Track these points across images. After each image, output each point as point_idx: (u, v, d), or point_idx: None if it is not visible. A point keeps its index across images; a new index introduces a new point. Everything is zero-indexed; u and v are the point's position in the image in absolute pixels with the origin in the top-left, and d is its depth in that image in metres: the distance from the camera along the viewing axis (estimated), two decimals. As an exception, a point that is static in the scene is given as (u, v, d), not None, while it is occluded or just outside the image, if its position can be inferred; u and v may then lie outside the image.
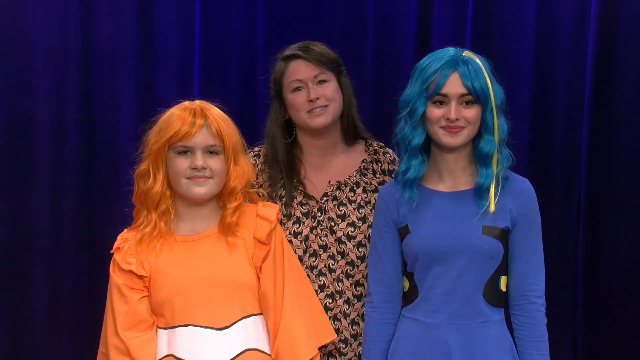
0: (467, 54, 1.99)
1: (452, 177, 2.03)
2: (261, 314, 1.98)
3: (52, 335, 2.97)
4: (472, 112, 1.96)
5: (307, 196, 2.31)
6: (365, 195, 2.31)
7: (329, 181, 2.33)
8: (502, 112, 2.01)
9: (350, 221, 2.28)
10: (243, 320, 1.94)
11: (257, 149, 2.41)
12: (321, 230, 2.28)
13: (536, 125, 2.95)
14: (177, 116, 1.94)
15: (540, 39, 2.95)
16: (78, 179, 2.97)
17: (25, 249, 2.94)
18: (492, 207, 1.95)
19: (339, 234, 2.28)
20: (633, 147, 2.88)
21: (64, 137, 2.95)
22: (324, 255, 2.28)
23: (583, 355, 2.97)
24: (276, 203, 2.26)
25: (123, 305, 1.93)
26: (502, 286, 2.01)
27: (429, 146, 2.04)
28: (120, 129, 2.99)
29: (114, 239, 2.05)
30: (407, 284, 2.06)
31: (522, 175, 2.07)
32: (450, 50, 1.99)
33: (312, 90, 2.25)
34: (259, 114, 2.96)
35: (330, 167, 2.35)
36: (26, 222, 2.94)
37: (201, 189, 1.94)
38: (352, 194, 2.31)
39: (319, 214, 2.29)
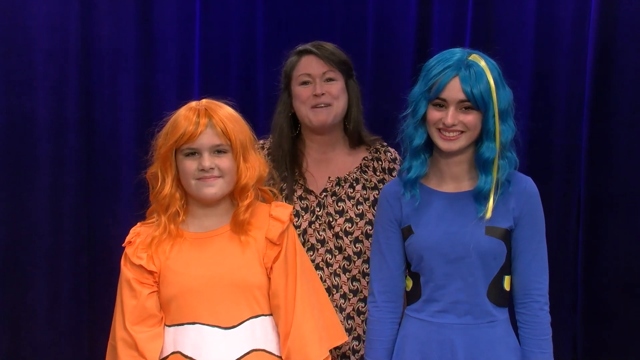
0: (474, 57, 1.96)
1: (454, 179, 2.03)
2: (270, 315, 1.97)
3: (52, 335, 2.97)
4: (470, 118, 1.94)
5: (307, 190, 2.34)
6: (365, 192, 2.34)
7: (329, 177, 2.36)
8: (510, 116, 1.98)
9: (348, 217, 2.31)
10: (250, 320, 1.94)
11: (260, 142, 2.42)
12: (319, 225, 2.31)
13: (536, 125, 2.94)
14: (182, 117, 1.93)
15: (540, 39, 2.95)
16: (78, 179, 2.97)
17: (25, 249, 2.94)
18: (489, 214, 1.95)
19: (337, 229, 2.31)
20: (633, 147, 2.88)
21: (64, 137, 2.95)
22: (322, 250, 2.30)
23: (583, 355, 2.97)
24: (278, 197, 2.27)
25: (132, 299, 1.93)
26: (506, 286, 2.01)
27: (432, 146, 2.04)
28: (120, 129, 2.99)
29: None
30: (409, 284, 2.06)
31: (521, 175, 2.07)
32: (458, 53, 1.96)
33: (319, 85, 2.30)
34: (259, 113, 2.96)
35: (331, 163, 2.38)
36: (26, 222, 2.94)
37: (211, 189, 1.93)
38: (352, 190, 2.34)
39: (318, 209, 2.32)
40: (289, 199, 2.31)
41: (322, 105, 2.30)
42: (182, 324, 1.92)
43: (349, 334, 2.28)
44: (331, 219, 2.32)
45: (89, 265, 2.98)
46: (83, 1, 2.94)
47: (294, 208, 2.28)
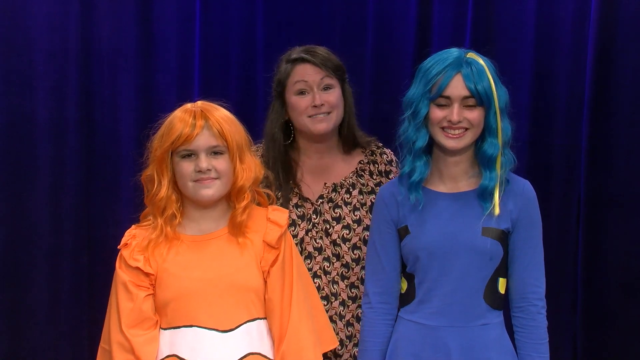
0: (471, 55, 1.97)
1: (453, 179, 2.02)
2: (265, 318, 1.97)
3: (52, 335, 2.97)
4: (474, 115, 1.95)
5: (303, 198, 2.31)
6: (361, 197, 2.31)
7: (325, 183, 2.32)
8: (506, 114, 1.99)
9: (345, 224, 2.28)
10: (247, 323, 1.93)
11: (253, 148, 2.40)
12: (316, 232, 2.28)
13: (536, 125, 2.95)
14: (178, 119, 1.92)
15: (540, 39, 2.95)
16: (78, 179, 2.97)
17: (25, 249, 2.94)
18: (497, 210, 1.95)
19: (334, 236, 2.28)
20: (633, 147, 2.88)
21: (64, 137, 2.95)
22: (319, 258, 2.28)
23: (583, 356, 2.97)
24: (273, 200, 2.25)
25: (129, 302, 1.92)
26: (501, 288, 2.00)
27: (431, 146, 2.03)
28: (120, 129, 2.99)
29: (114, 239, 2.04)
30: (405, 285, 2.05)
31: (521, 175, 2.07)
32: (455, 52, 1.97)
33: (318, 95, 2.24)
34: (258, 114, 2.95)
35: (327, 169, 2.34)
36: (26, 222, 2.94)
37: (208, 191, 1.92)
38: (348, 196, 2.31)
39: (314, 217, 2.29)
40: (284, 207, 2.23)
41: (322, 114, 2.25)
42: (179, 327, 1.91)
43: (349, 341, 2.26)
44: (328, 226, 2.28)
45: (89, 265, 2.98)
46: (83, 1, 2.94)
47: (289, 216, 2.25)
